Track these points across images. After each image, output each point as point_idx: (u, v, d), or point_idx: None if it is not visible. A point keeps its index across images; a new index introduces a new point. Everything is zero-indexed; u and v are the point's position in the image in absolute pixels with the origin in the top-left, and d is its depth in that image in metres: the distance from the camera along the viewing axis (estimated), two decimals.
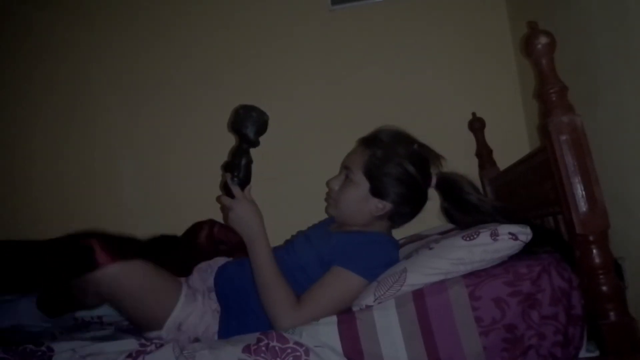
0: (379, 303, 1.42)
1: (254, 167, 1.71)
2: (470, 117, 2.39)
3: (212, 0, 2.65)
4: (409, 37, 2.54)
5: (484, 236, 1.42)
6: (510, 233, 1.42)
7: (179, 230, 2.46)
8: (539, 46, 1.43)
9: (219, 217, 2.17)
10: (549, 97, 1.43)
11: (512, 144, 2.35)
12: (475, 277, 1.39)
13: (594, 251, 1.36)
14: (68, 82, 2.68)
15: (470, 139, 2.39)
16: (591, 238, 1.36)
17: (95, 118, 2.67)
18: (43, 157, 2.68)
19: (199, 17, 2.65)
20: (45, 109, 2.69)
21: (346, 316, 1.42)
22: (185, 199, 2.56)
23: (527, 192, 1.77)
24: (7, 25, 2.75)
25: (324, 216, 1.99)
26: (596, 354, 1.35)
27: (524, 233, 1.43)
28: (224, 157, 2.47)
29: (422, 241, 1.85)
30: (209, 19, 2.65)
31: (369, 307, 1.42)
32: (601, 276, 1.36)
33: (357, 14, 2.58)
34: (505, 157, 2.22)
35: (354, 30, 2.58)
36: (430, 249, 1.50)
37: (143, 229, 2.52)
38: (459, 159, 2.28)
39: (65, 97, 2.68)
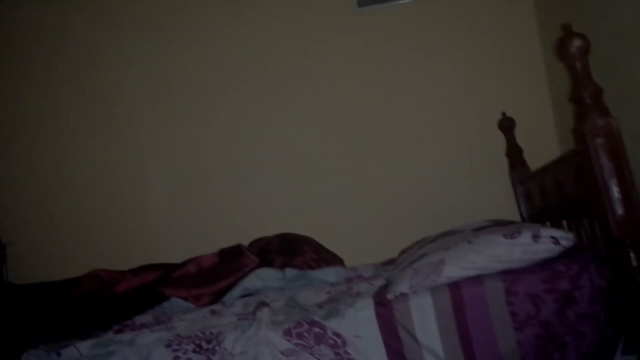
0: (413, 292, 1.45)
1: None
2: (500, 116, 2.38)
3: (242, 9, 2.68)
4: (436, 38, 2.54)
5: (525, 236, 1.44)
6: (552, 237, 1.43)
7: (207, 238, 2.53)
8: (573, 49, 1.42)
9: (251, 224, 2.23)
10: (583, 99, 1.42)
11: (541, 144, 2.34)
12: (512, 273, 1.41)
13: (631, 254, 1.36)
14: (100, 91, 2.74)
15: (500, 139, 2.39)
16: (628, 241, 1.36)
17: (127, 124, 2.72)
18: (75, 163, 2.74)
19: (228, 25, 2.68)
20: (75, 117, 2.75)
21: (383, 303, 1.45)
22: (215, 207, 2.61)
23: (560, 195, 1.76)
24: (36, 36, 2.81)
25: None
26: (633, 358, 1.35)
27: (566, 238, 1.43)
28: (250, 165, 2.53)
29: (457, 235, 1.85)
30: (238, 27, 2.68)
31: (404, 294, 1.45)
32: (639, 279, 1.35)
33: (383, 15, 2.59)
34: (534, 158, 2.22)
35: (380, 32, 2.59)
36: (470, 242, 1.51)
37: (171, 237, 2.62)
38: (489, 158, 2.31)
39: (96, 106, 2.74)
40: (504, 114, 2.37)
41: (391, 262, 2.17)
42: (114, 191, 2.70)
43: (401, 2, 2.56)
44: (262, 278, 2.02)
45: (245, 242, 2.39)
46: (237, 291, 2.00)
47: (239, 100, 2.63)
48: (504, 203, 2.33)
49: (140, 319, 1.79)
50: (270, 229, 2.43)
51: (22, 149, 2.75)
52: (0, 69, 2.76)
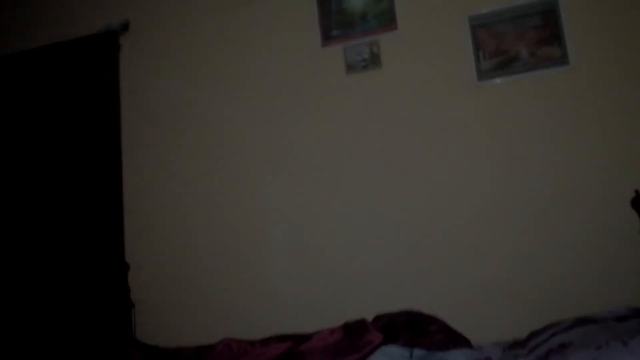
0: None
1: None
2: (632, 194, 2.29)
3: (360, 82, 2.77)
4: (558, 111, 2.50)
5: None
6: None
7: (327, 306, 2.57)
8: None
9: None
10: None
11: None
12: None
13: None
14: (226, 158, 2.91)
15: (633, 217, 2.30)
16: None
17: (250, 190, 2.86)
18: (195, 225, 2.89)
19: (347, 97, 2.78)
20: (200, 181, 2.92)
21: None
22: (336, 268, 2.65)
23: None
24: (165, 97, 3.03)
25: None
26: None
27: None
28: (373, 235, 2.57)
29: (599, 326, 1.78)
30: (356, 100, 2.77)
31: None
32: None
33: (503, 89, 2.59)
34: None
35: (501, 106, 2.58)
36: (625, 344, 1.45)
37: (292, 303, 2.69)
38: (622, 237, 2.23)
39: (221, 172, 2.91)
40: (637, 191, 2.28)
41: (519, 344, 2.11)
42: (239, 254, 2.82)
43: (523, 75, 2.55)
44: (389, 356, 2.02)
45: (365, 312, 2.41)
46: None
47: (360, 171, 2.70)
48: (636, 287, 2.22)
49: None
50: (391, 301, 2.45)
51: (153, 211, 2.94)
52: (140, 141, 2.99)
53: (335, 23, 2.81)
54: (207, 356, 2.17)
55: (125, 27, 3.07)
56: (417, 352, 1.98)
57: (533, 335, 2.10)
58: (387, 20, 2.74)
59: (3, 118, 3.09)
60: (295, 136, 2.83)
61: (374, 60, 2.76)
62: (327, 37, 2.83)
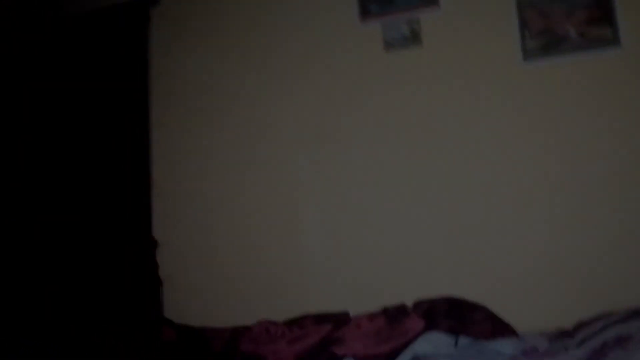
0: None
1: None
2: None
3: (400, 60, 2.68)
4: (607, 94, 2.41)
5: None
6: None
7: (362, 278, 2.53)
8: None
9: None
10: None
11: None
12: None
13: None
14: (252, 129, 2.84)
15: None
16: None
17: (281, 164, 2.78)
18: (233, 202, 2.84)
19: (385, 75, 2.69)
20: (236, 158, 2.86)
21: None
22: (371, 248, 2.60)
23: None
24: (195, 75, 2.95)
25: None
26: None
27: None
28: (412, 216, 2.51)
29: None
30: (394, 77, 2.68)
31: None
32: None
33: (550, 70, 2.49)
34: None
35: (549, 87, 2.48)
36: None
37: (326, 285, 2.64)
38: None
39: (250, 142, 2.84)
40: None
41: (566, 335, 2.05)
42: (270, 233, 2.77)
43: (571, 56, 2.45)
44: (433, 344, 1.97)
45: (400, 294, 2.37)
46: (406, 355, 1.97)
47: (397, 151, 2.62)
48: None
49: None
50: (428, 284, 2.40)
51: (184, 187, 2.88)
52: (169, 117, 2.92)
53: None
54: (243, 338, 2.13)
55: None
56: (463, 340, 1.93)
57: (581, 326, 2.04)
58: None
59: (30, 88, 3.01)
60: (330, 114, 2.75)
61: (414, 38, 2.66)
62: (365, 13, 2.73)
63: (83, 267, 2.74)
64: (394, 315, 2.12)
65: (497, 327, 1.96)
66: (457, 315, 2.04)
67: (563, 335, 2.04)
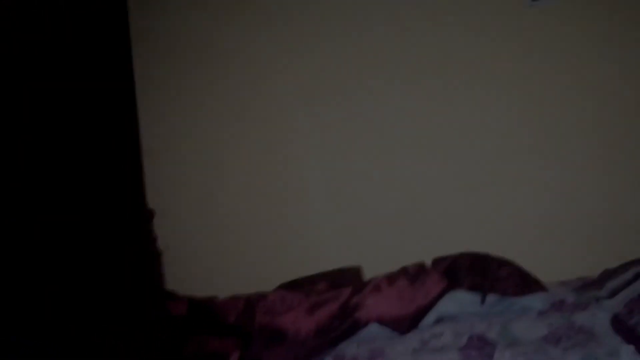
0: None
1: None
2: None
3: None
4: (623, 34, 2.30)
5: None
6: None
7: (370, 243, 2.44)
8: None
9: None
10: None
11: None
12: None
13: None
14: (255, 91, 2.66)
15: None
16: None
17: (284, 125, 2.63)
18: (232, 165, 2.69)
19: (386, 23, 2.53)
20: (231, 118, 2.69)
21: None
22: (375, 208, 2.51)
23: None
24: (179, 30, 2.76)
25: None
26: None
27: None
28: (419, 169, 2.41)
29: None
30: (395, 18, 2.52)
31: None
32: None
33: (560, 9, 2.37)
34: None
35: (556, 28, 2.37)
36: None
37: (329, 238, 2.55)
38: None
39: (252, 107, 2.67)
40: None
41: (592, 285, 2.00)
42: (272, 194, 2.64)
43: None
44: (459, 303, 1.90)
45: (414, 254, 2.28)
46: (432, 316, 1.90)
47: (402, 101, 2.49)
48: None
49: (348, 351, 1.71)
50: (442, 246, 2.31)
51: (179, 152, 2.72)
52: (155, 74, 2.73)
53: None
54: (258, 308, 2.04)
55: None
56: (490, 298, 1.86)
57: (608, 275, 1.99)
58: None
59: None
60: (332, 63, 2.58)
61: None
62: None
63: (71, 245, 2.57)
64: (415, 274, 2.04)
65: (524, 283, 1.89)
66: (480, 272, 1.96)
67: (589, 286, 1.99)
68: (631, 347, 1.36)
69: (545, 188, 2.33)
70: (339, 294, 2.01)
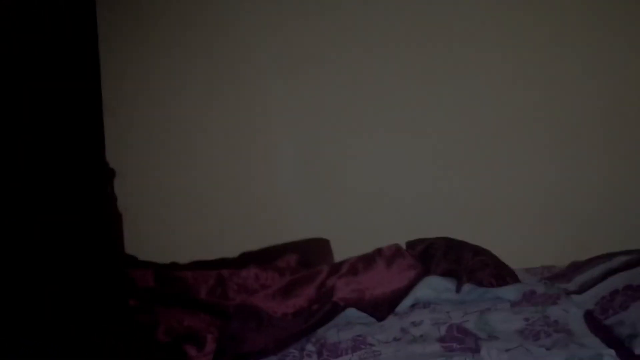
0: None
1: None
2: None
3: None
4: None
5: None
6: None
7: (340, 222, 2.42)
8: None
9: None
10: None
11: None
12: None
13: None
14: (228, 59, 2.53)
15: None
16: None
17: (249, 92, 2.53)
18: (199, 133, 2.58)
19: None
20: (192, 70, 2.55)
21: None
22: (352, 189, 2.48)
23: None
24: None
25: None
26: None
27: None
28: (390, 146, 2.38)
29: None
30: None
31: None
32: None
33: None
34: None
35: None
36: None
37: (300, 217, 2.51)
38: None
39: (223, 76, 2.54)
40: None
41: (559, 276, 2.07)
42: (240, 161, 2.56)
43: None
44: (435, 289, 1.92)
45: (388, 236, 2.26)
46: (408, 301, 1.91)
47: (382, 74, 2.44)
48: None
49: (330, 337, 1.70)
50: (412, 229, 2.31)
51: (143, 118, 2.57)
52: (121, 30, 2.53)
53: None
54: (230, 284, 1.99)
55: None
56: (466, 287, 1.89)
57: (575, 268, 2.06)
58: None
59: None
60: (307, 32, 2.49)
61: None
62: None
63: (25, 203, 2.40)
64: (390, 257, 2.04)
65: (499, 274, 1.91)
66: (456, 259, 1.98)
67: (557, 278, 2.06)
68: (612, 352, 1.41)
69: (519, 175, 2.36)
70: (314, 274, 1.99)
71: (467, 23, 2.38)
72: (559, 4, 2.33)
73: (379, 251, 2.09)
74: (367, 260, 2.04)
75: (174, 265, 2.31)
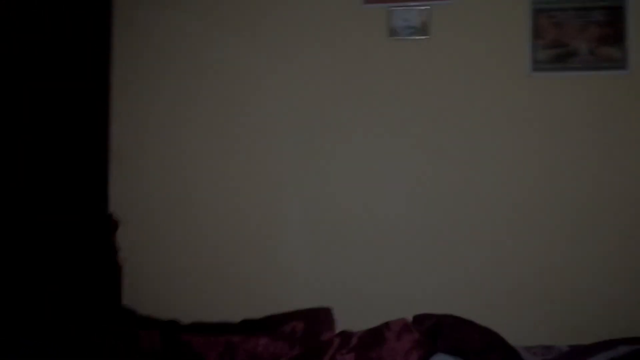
0: None
1: None
2: None
3: (404, 47, 2.53)
4: (611, 116, 2.42)
5: None
6: None
7: (346, 277, 2.43)
8: None
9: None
10: None
11: None
12: None
13: None
14: (232, 107, 2.60)
15: None
16: None
17: (262, 146, 2.59)
18: (199, 175, 2.61)
19: (386, 55, 2.52)
20: (202, 122, 2.61)
21: None
22: (356, 247, 2.51)
23: None
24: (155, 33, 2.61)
25: None
26: None
27: None
28: (398, 210, 2.42)
29: None
30: (394, 61, 2.53)
31: None
32: None
33: (557, 84, 2.45)
34: None
35: (553, 101, 2.45)
36: None
37: (304, 280, 2.51)
38: None
39: (227, 115, 2.60)
40: None
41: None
42: (244, 220, 2.58)
43: (579, 73, 2.43)
44: None
45: (388, 306, 2.27)
46: None
47: (392, 147, 2.51)
48: None
49: None
50: (413, 289, 2.36)
51: (147, 160, 2.62)
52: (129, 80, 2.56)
53: None
54: (239, 352, 1.97)
55: None
56: None
57: (578, 352, 2.09)
58: None
59: None
60: (321, 100, 2.56)
61: (422, 28, 2.50)
62: None
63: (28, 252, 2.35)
64: (399, 333, 2.04)
65: (507, 357, 1.95)
66: (464, 339, 2.00)
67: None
68: None
69: (520, 257, 2.42)
70: (325, 346, 1.99)
71: (475, 106, 2.47)
72: None
73: (386, 325, 2.09)
74: (376, 335, 2.04)
75: (176, 325, 2.27)
